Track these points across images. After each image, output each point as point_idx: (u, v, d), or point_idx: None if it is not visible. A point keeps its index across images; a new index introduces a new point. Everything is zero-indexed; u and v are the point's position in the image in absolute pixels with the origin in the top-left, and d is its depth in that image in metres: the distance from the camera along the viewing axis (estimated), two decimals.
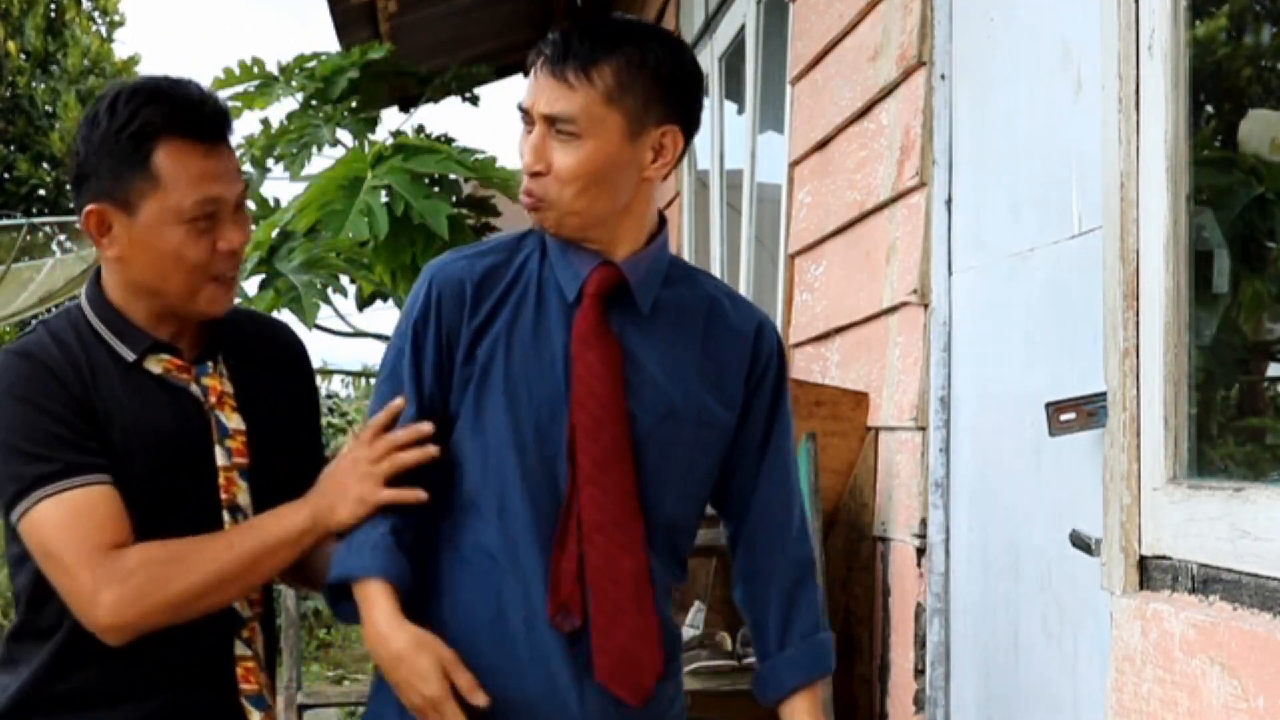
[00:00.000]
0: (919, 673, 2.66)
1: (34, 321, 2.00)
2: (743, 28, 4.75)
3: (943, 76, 2.70)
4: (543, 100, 1.79)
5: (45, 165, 15.86)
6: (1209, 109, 2.22)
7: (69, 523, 1.76)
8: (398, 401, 1.83)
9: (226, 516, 1.88)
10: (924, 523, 2.63)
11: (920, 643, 2.66)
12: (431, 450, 1.81)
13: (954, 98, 2.68)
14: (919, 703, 2.65)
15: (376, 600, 1.76)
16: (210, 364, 1.93)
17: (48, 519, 1.77)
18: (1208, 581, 1.69)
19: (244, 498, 1.90)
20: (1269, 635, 1.55)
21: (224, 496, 1.89)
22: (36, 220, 11.84)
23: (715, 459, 1.88)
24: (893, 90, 2.90)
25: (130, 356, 1.87)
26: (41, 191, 15.71)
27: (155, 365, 1.89)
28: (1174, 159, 1.78)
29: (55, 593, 1.80)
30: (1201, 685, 1.65)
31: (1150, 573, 1.81)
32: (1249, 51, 2.33)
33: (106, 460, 1.80)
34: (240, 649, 1.91)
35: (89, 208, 1.85)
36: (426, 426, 1.81)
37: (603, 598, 1.78)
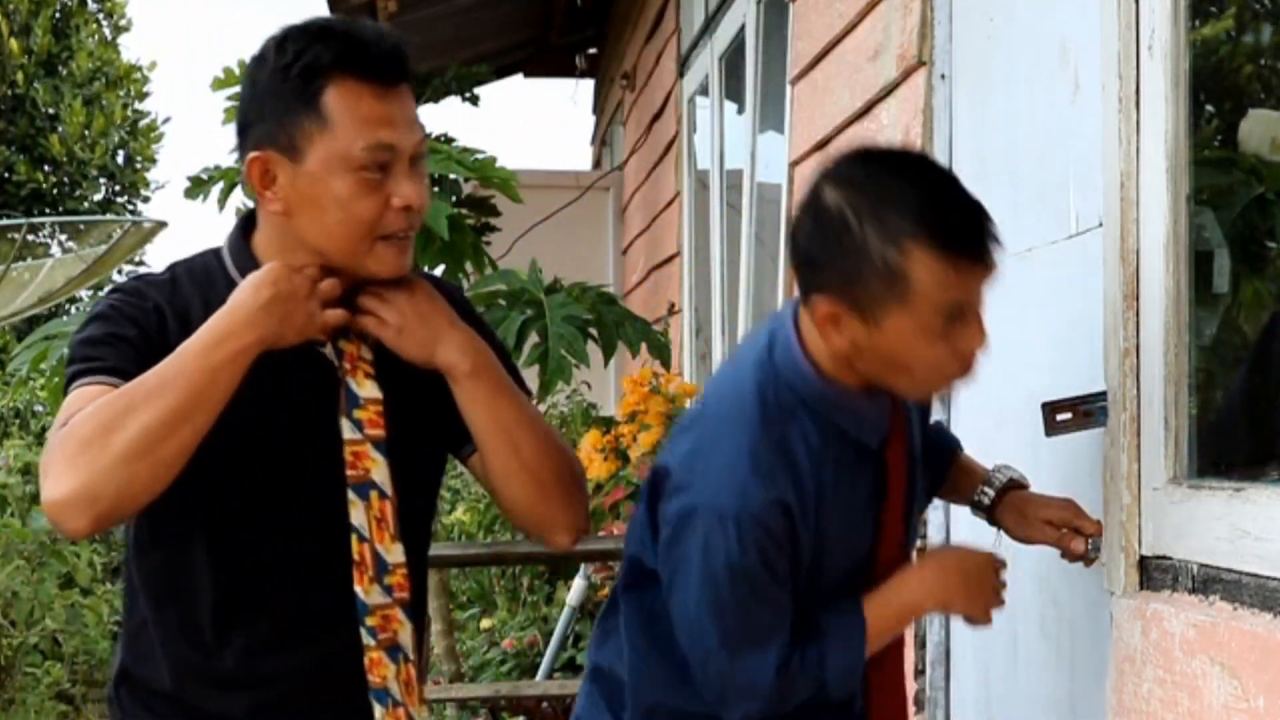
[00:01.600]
0: (919, 673, 2.66)
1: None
2: (743, 27, 4.75)
3: (943, 76, 2.70)
4: None
5: (45, 168, 15.86)
6: (1209, 109, 2.22)
7: (63, 411, 1.65)
8: None
9: (352, 495, 1.74)
10: (924, 523, 2.63)
11: (920, 643, 2.65)
12: None
13: (954, 98, 2.68)
14: (919, 703, 2.65)
15: (878, 610, 1.76)
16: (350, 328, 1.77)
17: (70, 404, 1.66)
18: (1208, 582, 1.69)
19: (380, 473, 1.75)
20: (1269, 635, 1.55)
21: (350, 473, 1.74)
22: (36, 220, 11.84)
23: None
24: (893, 90, 2.90)
25: None
26: (41, 193, 15.71)
27: None
28: (1174, 159, 1.78)
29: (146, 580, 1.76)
30: (1202, 685, 1.65)
31: (1150, 573, 1.81)
32: (1249, 51, 2.33)
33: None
34: (365, 638, 1.76)
35: (251, 155, 1.70)
36: None
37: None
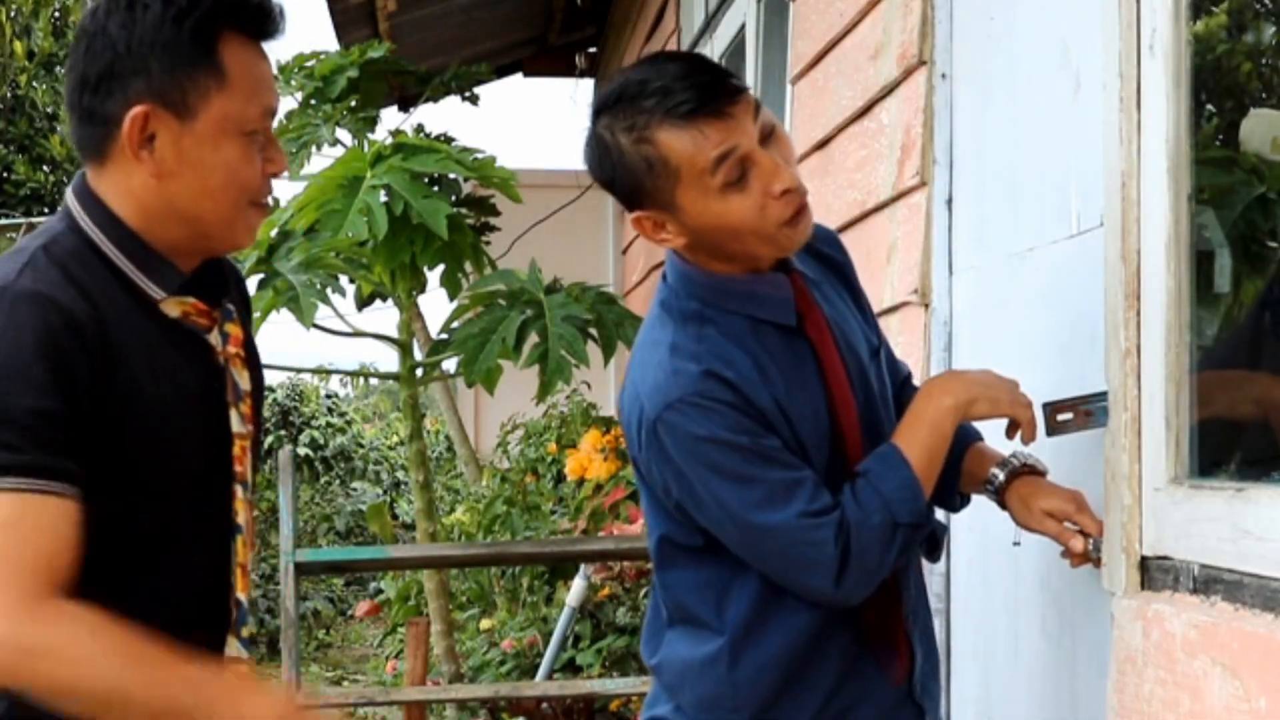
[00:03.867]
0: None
1: (23, 242, 1.58)
2: (743, 27, 4.74)
3: (943, 76, 2.69)
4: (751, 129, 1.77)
5: (45, 169, 15.86)
6: (1210, 108, 2.22)
7: (7, 525, 1.43)
8: None
9: (239, 491, 1.64)
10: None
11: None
12: None
13: (955, 97, 2.68)
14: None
15: (904, 432, 1.82)
16: (232, 308, 1.66)
17: None
18: (1209, 582, 1.68)
19: (250, 475, 1.65)
20: (1270, 636, 1.54)
21: (237, 469, 1.63)
22: (36, 220, 11.84)
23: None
24: (893, 89, 2.90)
25: (159, 295, 1.58)
26: (41, 193, 15.71)
27: (174, 308, 1.59)
28: (1175, 158, 1.78)
29: None
30: (1203, 686, 1.64)
31: (1151, 573, 1.80)
32: (1250, 50, 2.33)
33: (85, 461, 1.48)
34: (236, 649, 1.66)
35: (134, 110, 1.52)
36: None
37: None
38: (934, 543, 1.91)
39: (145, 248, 1.57)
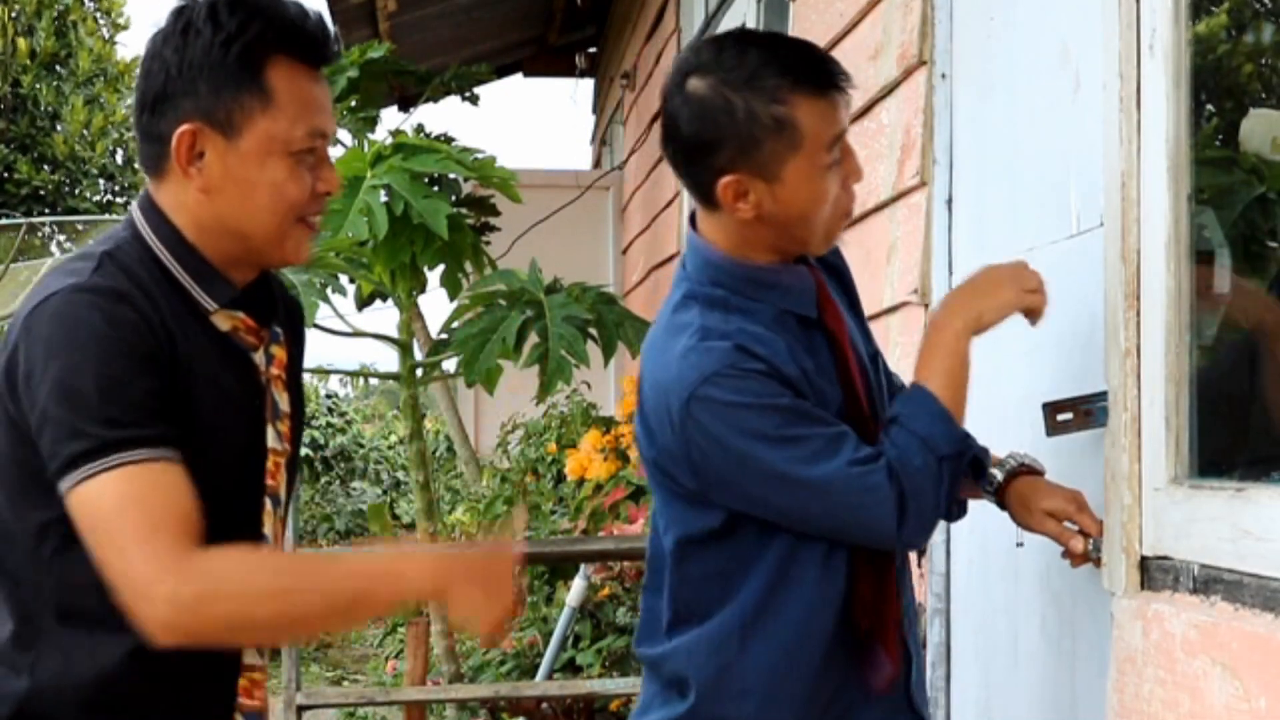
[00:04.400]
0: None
1: (88, 247, 1.66)
2: (743, 27, 4.74)
3: (943, 76, 2.69)
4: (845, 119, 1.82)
5: (46, 168, 15.86)
6: (1210, 108, 2.22)
7: (138, 501, 1.50)
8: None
9: (268, 504, 1.70)
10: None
11: (921, 642, 2.65)
12: None
13: (954, 97, 2.68)
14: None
15: (924, 362, 1.83)
16: (280, 330, 1.72)
17: (111, 492, 1.50)
18: (1209, 582, 1.68)
19: (283, 491, 1.71)
20: (1270, 636, 1.54)
21: (269, 483, 1.69)
22: (36, 220, 11.85)
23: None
24: (893, 89, 2.90)
25: (212, 307, 1.64)
26: (42, 193, 15.72)
27: (224, 321, 1.66)
28: (1175, 158, 1.78)
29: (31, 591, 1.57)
30: (1203, 686, 1.64)
31: (1151, 573, 1.80)
32: (1250, 50, 2.33)
33: (183, 435, 1.56)
34: (250, 656, 1.69)
35: (182, 128, 1.60)
36: None
37: None
38: (978, 467, 1.91)
39: (200, 259, 1.64)
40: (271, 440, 1.70)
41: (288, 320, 1.79)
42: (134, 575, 1.49)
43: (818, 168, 1.77)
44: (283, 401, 1.71)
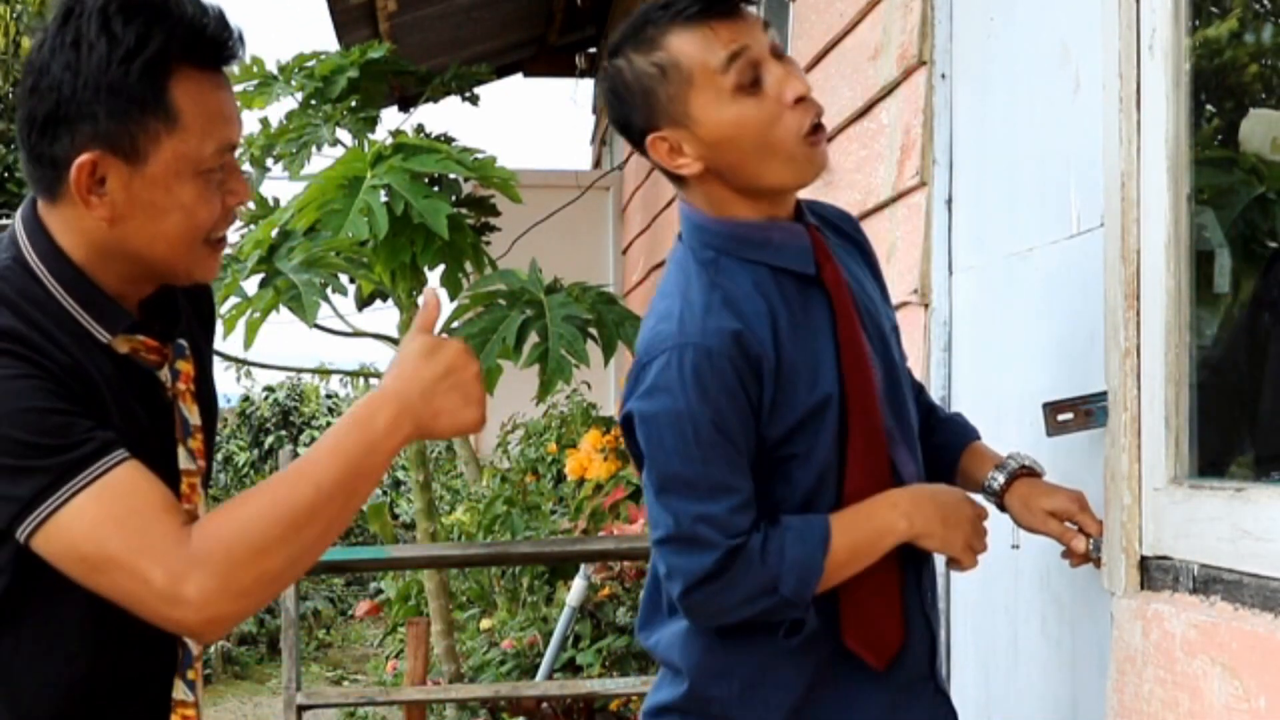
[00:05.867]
0: None
1: None
2: None
3: (943, 76, 2.69)
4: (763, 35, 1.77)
5: None
6: (1210, 108, 2.22)
7: (113, 514, 1.41)
8: None
9: None
10: None
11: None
12: None
13: (954, 97, 2.68)
14: None
15: (847, 523, 1.76)
16: (184, 343, 1.60)
17: (82, 517, 1.41)
18: (1209, 582, 1.68)
19: (203, 510, 1.58)
20: (1270, 635, 1.54)
21: (186, 506, 1.55)
22: None
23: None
24: (893, 90, 2.90)
25: (105, 338, 1.53)
26: None
27: (123, 345, 1.54)
28: (1175, 158, 1.78)
29: None
30: (1202, 686, 1.64)
31: (1151, 573, 1.81)
32: (1250, 50, 2.33)
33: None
34: (182, 692, 1.59)
35: (82, 158, 1.46)
36: None
37: None
38: (794, 627, 1.80)
39: (91, 287, 1.53)
40: (184, 461, 1.59)
41: (195, 311, 1.68)
42: (155, 587, 1.40)
43: (722, 93, 1.72)
44: (192, 416, 1.60)
